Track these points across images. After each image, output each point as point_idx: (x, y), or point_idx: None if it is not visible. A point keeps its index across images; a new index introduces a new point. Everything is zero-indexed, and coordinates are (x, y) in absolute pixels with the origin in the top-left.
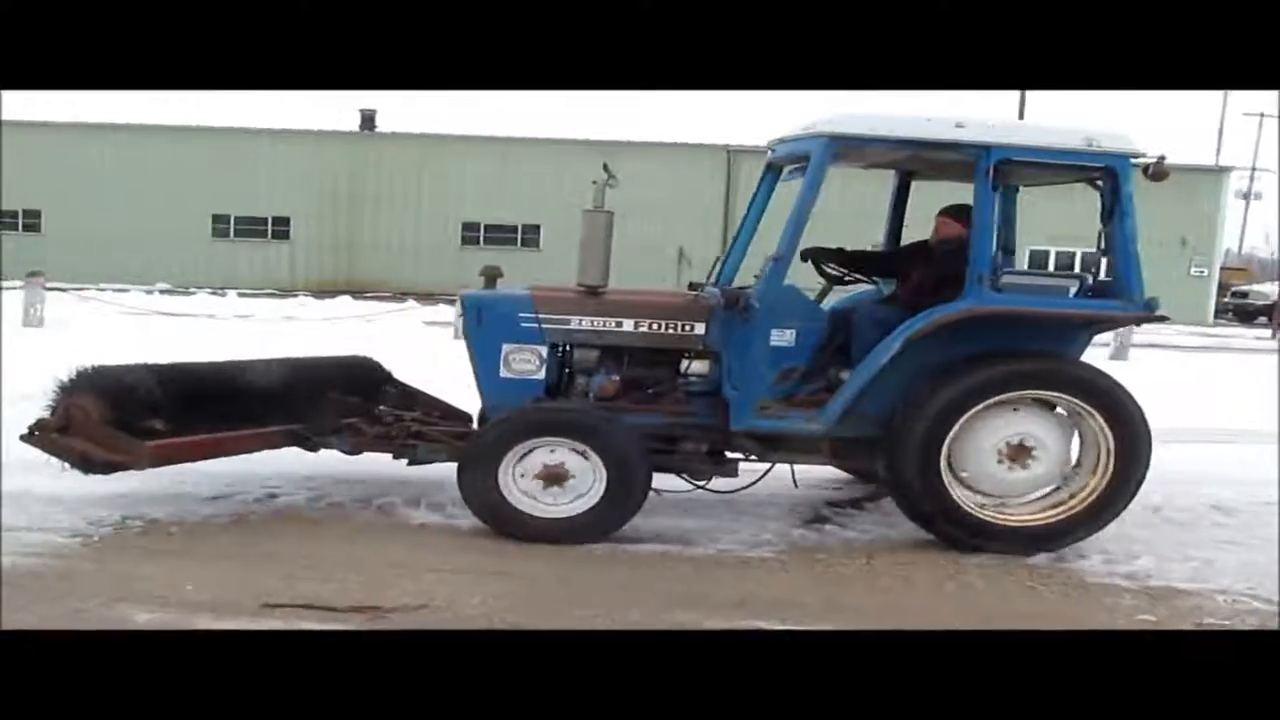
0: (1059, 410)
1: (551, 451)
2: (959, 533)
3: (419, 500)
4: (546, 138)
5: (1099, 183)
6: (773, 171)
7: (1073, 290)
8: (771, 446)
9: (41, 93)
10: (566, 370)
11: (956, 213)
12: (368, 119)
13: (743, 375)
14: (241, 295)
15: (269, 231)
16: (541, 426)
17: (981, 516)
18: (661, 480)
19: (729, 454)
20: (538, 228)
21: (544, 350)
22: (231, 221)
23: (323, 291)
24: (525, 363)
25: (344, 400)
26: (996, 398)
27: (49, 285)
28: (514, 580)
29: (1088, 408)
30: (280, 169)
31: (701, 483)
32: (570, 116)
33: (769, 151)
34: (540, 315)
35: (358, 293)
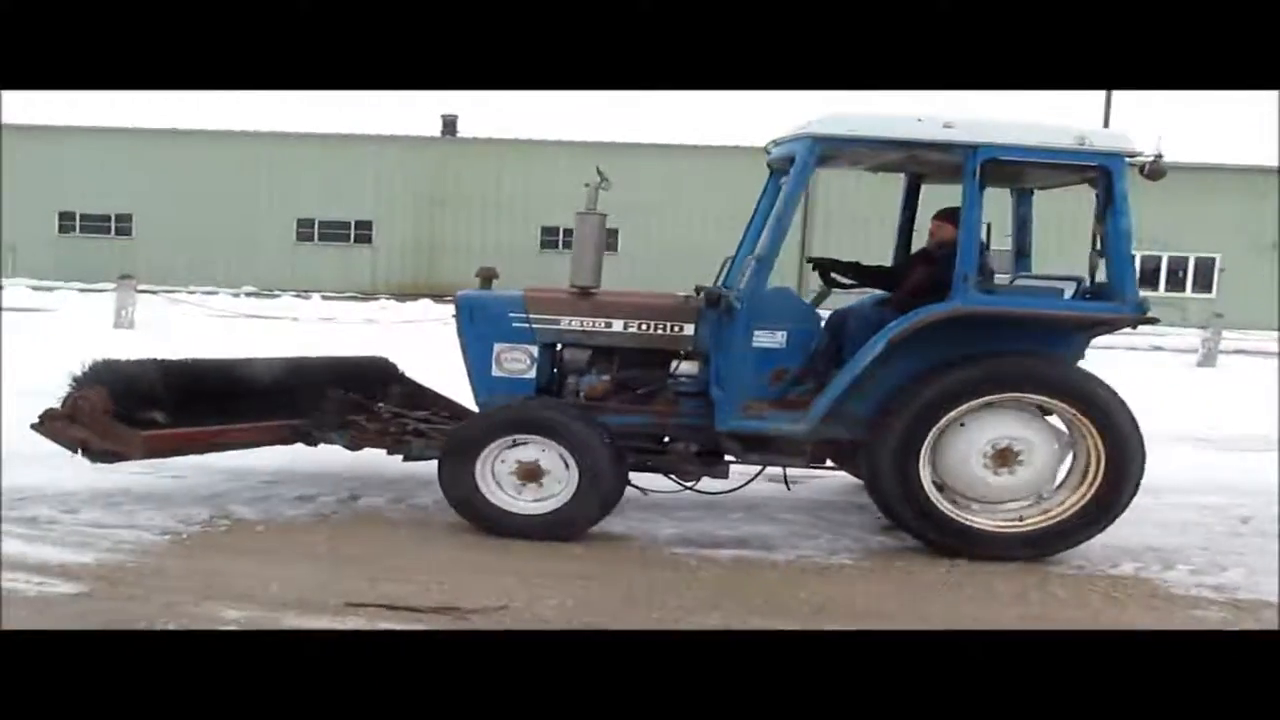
0: (1053, 417)
1: (526, 449)
2: (936, 535)
3: None
4: (622, 141)
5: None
6: (775, 173)
7: (1069, 292)
8: (755, 448)
9: (107, 94)
10: (557, 370)
11: (951, 215)
12: (449, 124)
13: (728, 376)
14: (325, 298)
15: (352, 236)
16: (513, 425)
17: (961, 521)
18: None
19: (726, 456)
20: (616, 231)
21: (535, 350)
22: (315, 226)
23: (403, 294)
24: (516, 362)
25: (345, 398)
26: (975, 401)
27: (140, 288)
28: (593, 583)
29: (1070, 410)
30: (363, 174)
31: (690, 483)
32: (647, 119)
33: (766, 153)
34: (531, 315)
35: (438, 296)
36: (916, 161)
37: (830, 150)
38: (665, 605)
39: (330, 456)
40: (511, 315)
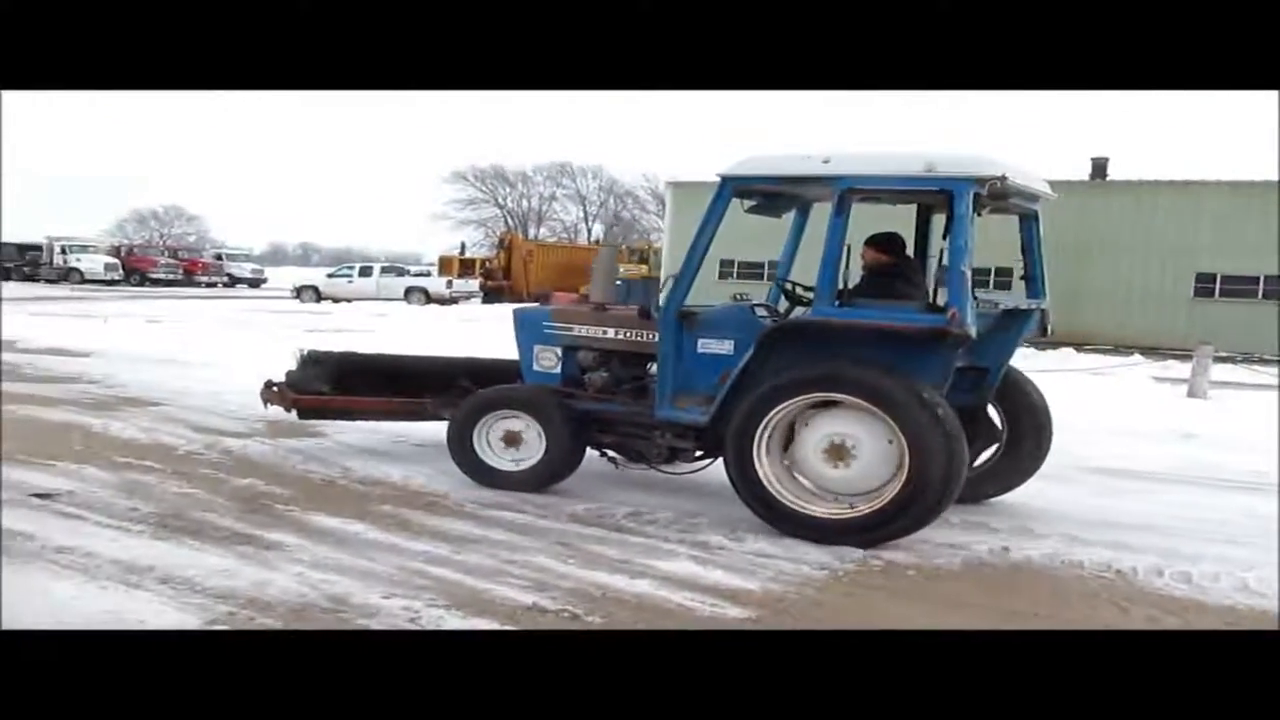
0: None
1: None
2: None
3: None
4: None
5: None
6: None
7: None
8: (681, 436)
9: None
10: (580, 368)
11: (878, 241)
12: (1099, 167)
13: (664, 375)
14: None
15: (990, 282)
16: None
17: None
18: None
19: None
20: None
21: (559, 351)
22: None
23: (1039, 342)
24: (547, 360)
25: (469, 388)
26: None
27: None
28: None
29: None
30: (1007, 220)
31: (657, 465)
32: None
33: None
34: (556, 324)
35: (1079, 344)
36: (812, 193)
37: (741, 188)
38: None
39: None
40: (544, 324)
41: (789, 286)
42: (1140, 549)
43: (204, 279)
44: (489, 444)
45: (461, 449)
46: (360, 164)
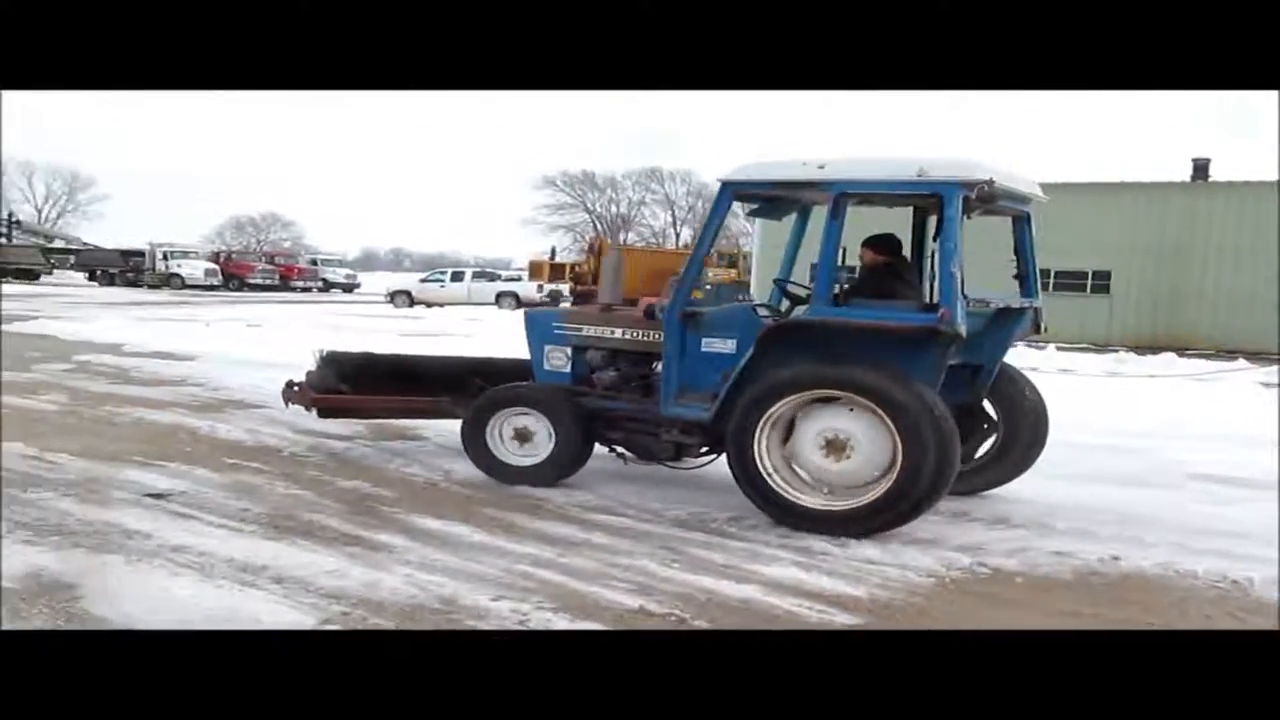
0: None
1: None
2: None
3: None
4: None
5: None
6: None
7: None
8: (687, 432)
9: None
10: (589, 367)
11: (875, 242)
12: (1200, 168)
13: (670, 374)
14: (1060, 349)
15: (1088, 286)
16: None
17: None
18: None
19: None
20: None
21: (569, 350)
22: (1051, 275)
23: (1140, 347)
24: (558, 359)
25: (483, 387)
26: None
27: None
28: None
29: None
30: (1103, 223)
31: (664, 461)
32: None
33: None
34: (567, 325)
35: (1181, 349)
36: (812, 198)
37: (741, 192)
38: None
39: None
40: (554, 324)
41: (789, 287)
42: (1254, 559)
43: (299, 284)
44: (501, 440)
45: (475, 445)
46: (451, 170)
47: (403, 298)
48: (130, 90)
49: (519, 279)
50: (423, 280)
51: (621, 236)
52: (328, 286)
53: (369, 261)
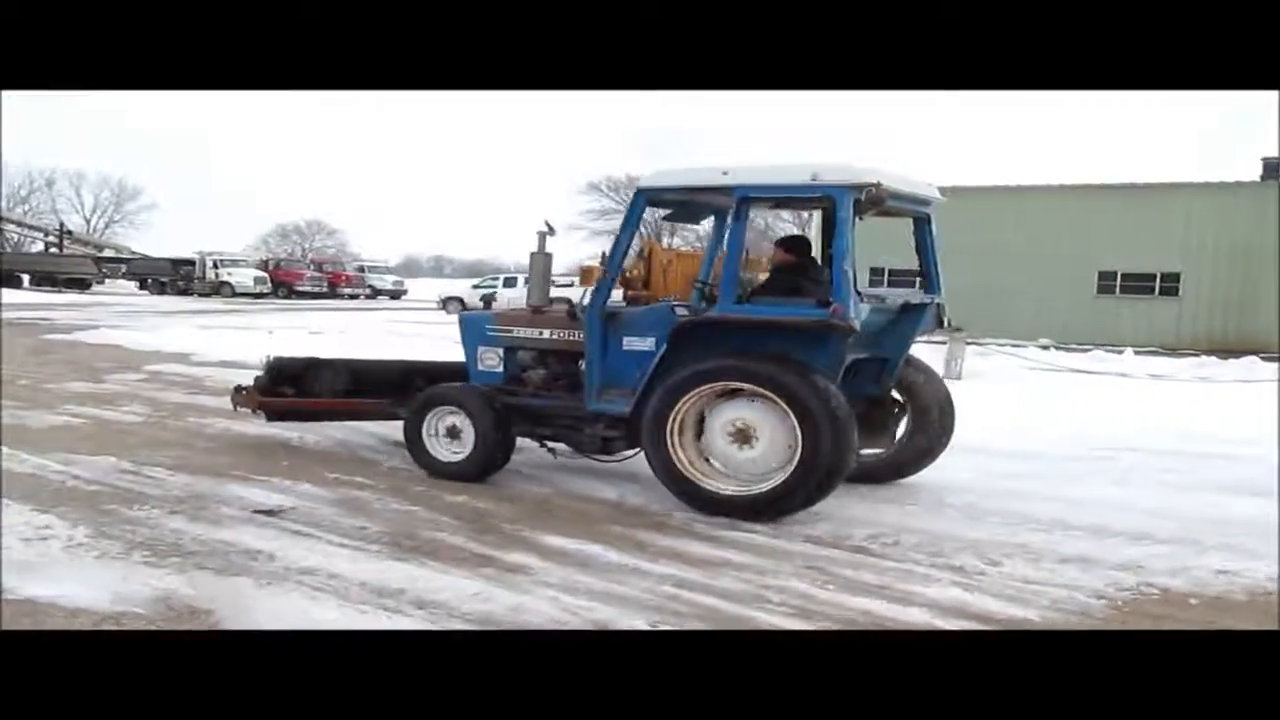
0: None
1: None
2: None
3: None
4: None
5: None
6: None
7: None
8: (612, 426)
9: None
10: (520, 367)
11: (785, 243)
12: (1271, 168)
13: (591, 371)
14: (1137, 353)
15: (1156, 288)
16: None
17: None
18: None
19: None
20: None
21: (501, 351)
22: (1118, 278)
23: (1212, 350)
24: (490, 360)
25: (422, 388)
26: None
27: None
28: None
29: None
30: (1170, 224)
31: (590, 454)
32: None
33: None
34: (497, 327)
35: (1254, 352)
36: (718, 203)
37: (655, 197)
38: None
39: None
40: (487, 326)
41: (704, 288)
42: None
43: (347, 291)
44: (436, 438)
45: (414, 443)
46: (491, 176)
47: (455, 304)
48: (167, 90)
49: (571, 285)
50: (475, 286)
51: (666, 241)
52: (375, 294)
53: (411, 268)
